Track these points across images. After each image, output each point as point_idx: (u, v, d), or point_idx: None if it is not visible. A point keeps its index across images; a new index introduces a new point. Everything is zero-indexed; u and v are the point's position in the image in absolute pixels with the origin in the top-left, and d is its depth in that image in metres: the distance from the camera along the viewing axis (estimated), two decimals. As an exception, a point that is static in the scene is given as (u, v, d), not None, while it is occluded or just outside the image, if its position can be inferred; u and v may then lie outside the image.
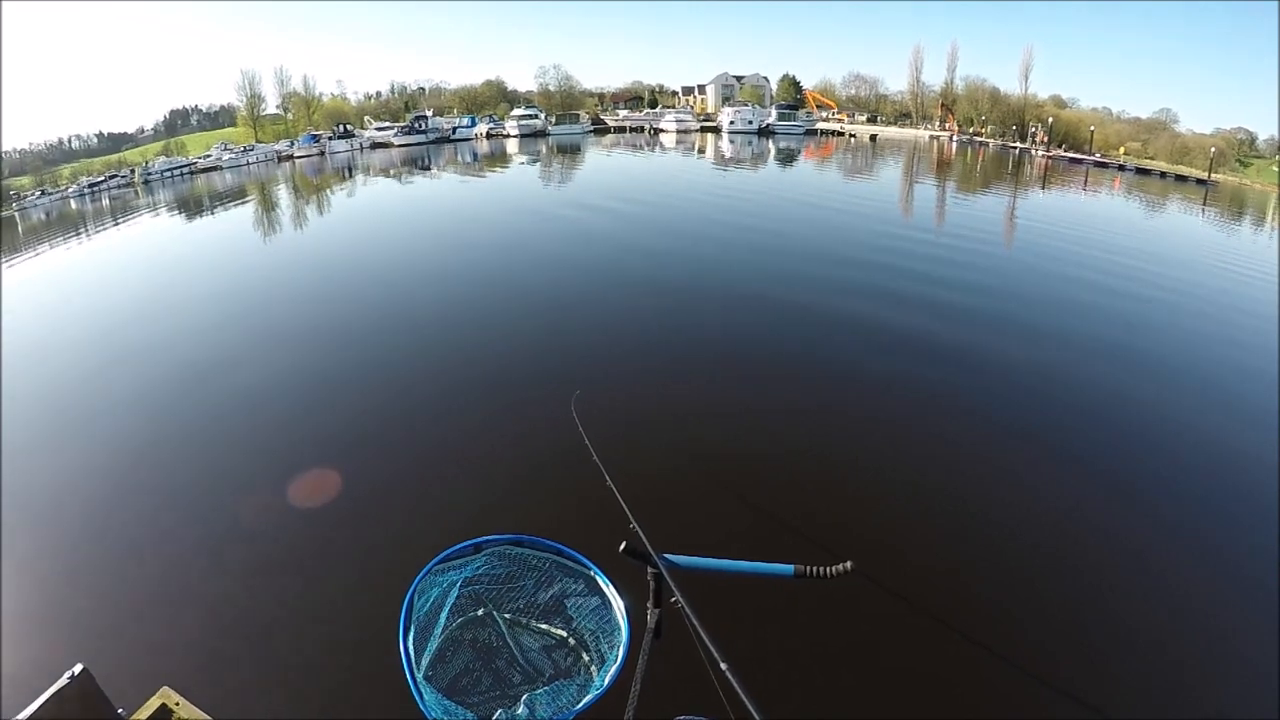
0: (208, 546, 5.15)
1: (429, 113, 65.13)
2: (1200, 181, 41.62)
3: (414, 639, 2.86)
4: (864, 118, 74.24)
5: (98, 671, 2.80)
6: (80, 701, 2.67)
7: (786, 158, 40.45)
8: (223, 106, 76.31)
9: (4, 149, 57.93)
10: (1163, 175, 43.88)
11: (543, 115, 63.62)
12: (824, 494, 5.63)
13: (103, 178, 46.40)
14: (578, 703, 2.78)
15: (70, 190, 44.31)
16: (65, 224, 29.49)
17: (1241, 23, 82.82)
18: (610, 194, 23.97)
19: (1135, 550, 5.11)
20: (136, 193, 39.96)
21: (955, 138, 59.90)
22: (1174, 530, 5.39)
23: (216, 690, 3.59)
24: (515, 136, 58.06)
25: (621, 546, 2.76)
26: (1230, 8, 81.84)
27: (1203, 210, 29.10)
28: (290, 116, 68.02)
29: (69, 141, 71.69)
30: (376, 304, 11.36)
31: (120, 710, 2.87)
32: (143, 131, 76.15)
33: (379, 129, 60.75)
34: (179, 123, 78.13)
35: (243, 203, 29.42)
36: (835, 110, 73.22)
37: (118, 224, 26.59)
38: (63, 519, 5.67)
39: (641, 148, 47.10)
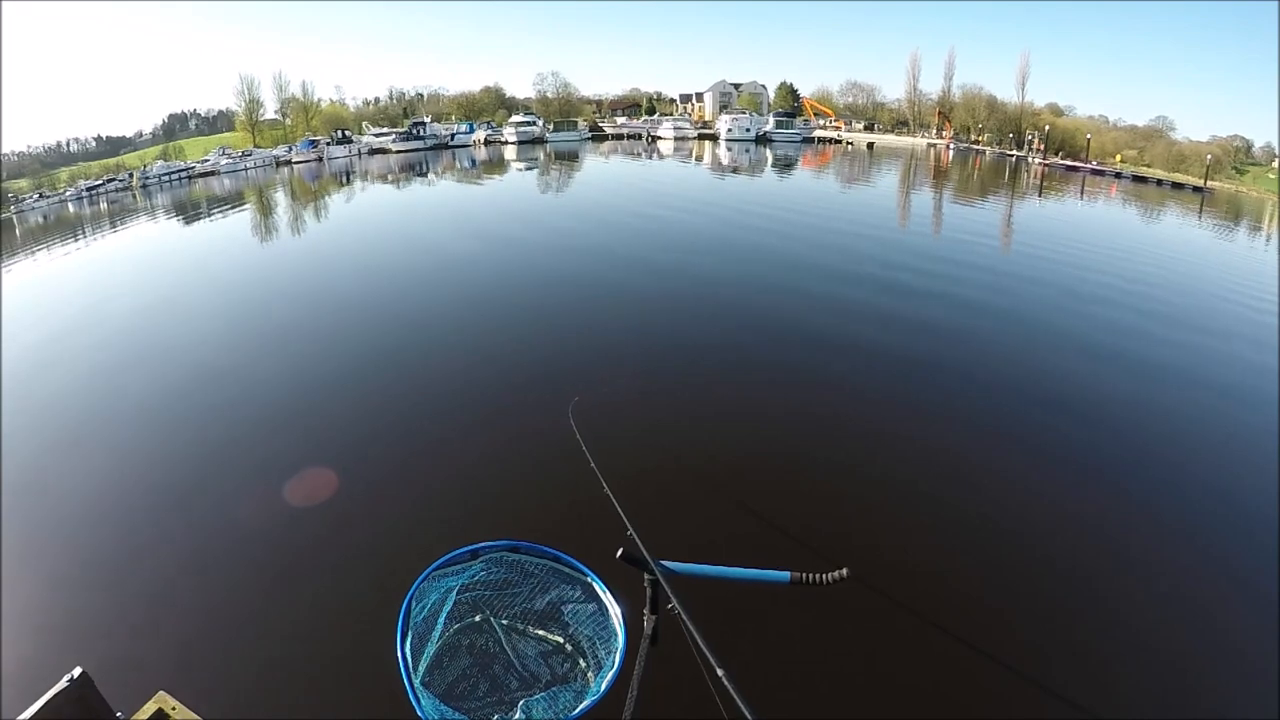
0: (205, 551, 5.15)
1: (427, 119, 65.07)
2: (1196, 189, 41.92)
3: (411, 645, 2.87)
4: (861, 125, 74.54)
5: (96, 675, 2.80)
6: (79, 704, 2.67)
7: (784, 166, 40.55)
8: (221, 111, 76.25)
9: (2, 151, 57.81)
10: (1159, 182, 44.20)
11: (541, 122, 63.61)
12: (821, 501, 5.64)
13: (101, 181, 46.17)
14: (575, 708, 2.79)
15: (68, 193, 44.19)
16: (63, 227, 29.46)
17: (1238, 30, 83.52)
18: (608, 203, 24.03)
19: (1134, 551, 5.13)
20: (134, 197, 39.90)
21: (951, 145, 60.19)
22: (1174, 530, 5.42)
23: (212, 695, 3.58)
24: (513, 143, 58.01)
25: (619, 553, 2.78)
26: (1228, 9, 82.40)
27: (1199, 216, 29.27)
28: (289, 122, 67.96)
29: (67, 144, 71.32)
30: (374, 310, 11.37)
31: (119, 714, 2.88)
32: (141, 135, 75.91)
33: (377, 135, 60.56)
34: (177, 127, 77.82)
35: (241, 208, 29.41)
36: (833, 118, 73.49)
37: (115, 228, 26.57)
38: (61, 522, 5.66)
39: (639, 155, 47.19)
